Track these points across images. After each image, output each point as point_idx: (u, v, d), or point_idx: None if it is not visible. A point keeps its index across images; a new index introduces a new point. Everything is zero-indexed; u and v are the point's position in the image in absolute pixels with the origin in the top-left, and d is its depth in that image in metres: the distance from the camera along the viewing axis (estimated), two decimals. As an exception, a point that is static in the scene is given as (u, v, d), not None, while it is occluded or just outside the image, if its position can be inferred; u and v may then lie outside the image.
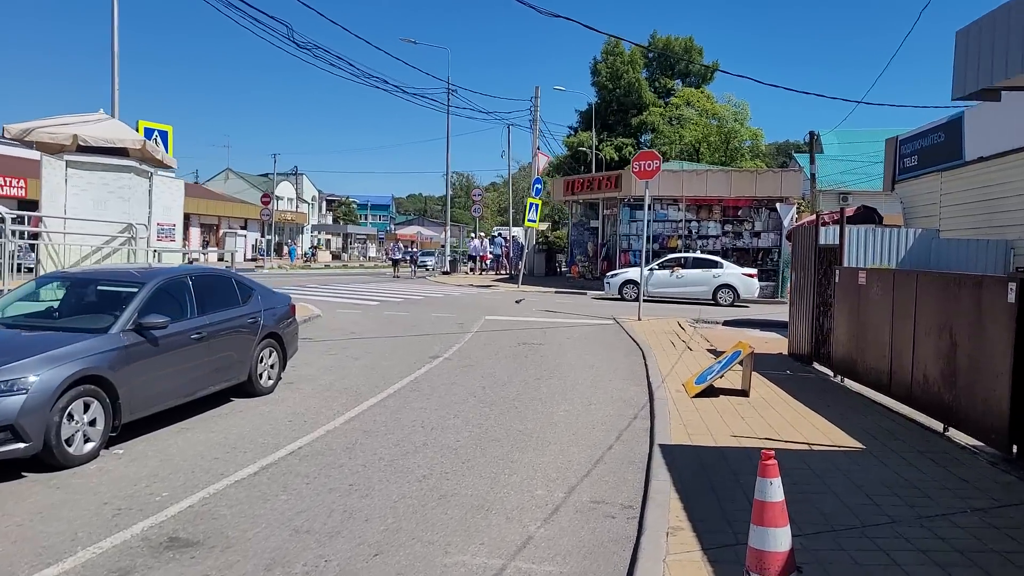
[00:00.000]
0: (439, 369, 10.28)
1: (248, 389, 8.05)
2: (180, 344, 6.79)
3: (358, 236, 78.15)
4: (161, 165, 12.63)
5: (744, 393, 8.82)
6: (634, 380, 10.00)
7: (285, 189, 68.21)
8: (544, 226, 42.04)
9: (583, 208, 29.88)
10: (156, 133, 15.23)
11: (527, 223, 25.76)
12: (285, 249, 62.58)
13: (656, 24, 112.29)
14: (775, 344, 14.06)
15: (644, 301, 22.28)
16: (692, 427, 7.13)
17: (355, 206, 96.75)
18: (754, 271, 22.28)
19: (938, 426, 7.17)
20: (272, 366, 8.42)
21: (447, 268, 35.85)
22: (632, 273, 22.02)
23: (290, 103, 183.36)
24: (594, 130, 53.96)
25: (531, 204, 25.54)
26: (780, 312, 20.99)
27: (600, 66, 59.95)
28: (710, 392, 8.71)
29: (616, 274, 22.95)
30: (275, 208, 65.45)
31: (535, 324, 15.76)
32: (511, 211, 31.55)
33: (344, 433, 6.89)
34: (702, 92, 56.96)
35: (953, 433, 6.94)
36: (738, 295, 21.82)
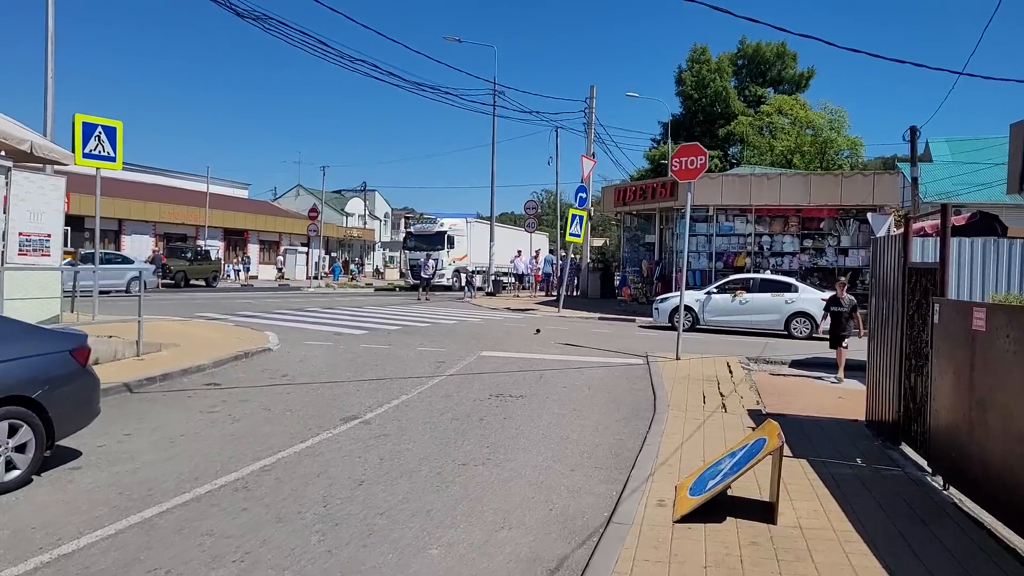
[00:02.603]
0: (331, 444, 7.15)
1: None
2: None
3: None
4: (50, 163, 10.10)
5: (768, 512, 5.26)
6: (610, 469, 6.58)
7: (355, 205, 67.19)
8: (600, 242, 38.40)
9: (637, 221, 26.22)
10: (100, 129, 12.90)
11: (569, 237, 22.35)
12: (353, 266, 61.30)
13: (746, 30, 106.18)
14: (853, 401, 10.22)
15: (701, 331, 18.54)
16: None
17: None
18: (838, 296, 18.09)
19: None
20: (21, 448, 5.51)
21: (491, 289, 32.76)
22: (686, 298, 18.23)
23: (366, 122, 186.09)
24: (677, 141, 50.82)
25: (574, 216, 22.15)
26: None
27: (685, 75, 57.21)
28: (711, 511, 5.20)
29: (666, 298, 19.24)
30: (346, 224, 64.61)
31: (537, 364, 12.43)
32: (558, 224, 27.99)
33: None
34: (795, 100, 53.04)
35: None
36: (817, 325, 17.71)
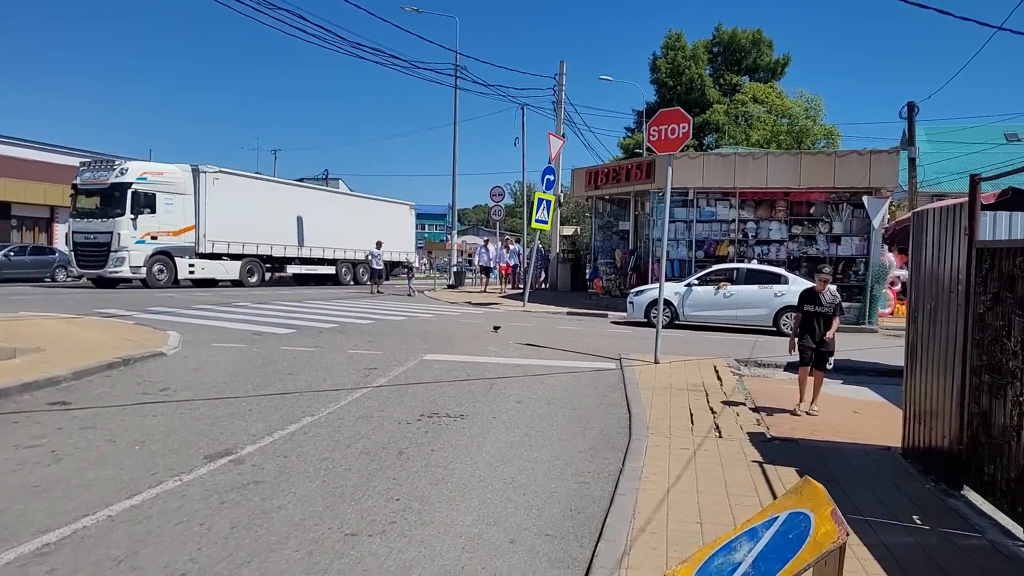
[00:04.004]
0: (172, 499, 5.00)
1: None
2: None
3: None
4: None
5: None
6: (567, 539, 4.55)
7: (317, 195, 64.37)
8: (571, 230, 36.37)
9: (610, 207, 24.19)
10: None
11: (535, 224, 20.25)
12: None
13: (721, 15, 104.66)
14: (871, 416, 8.32)
15: (680, 327, 16.59)
16: None
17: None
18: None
19: None
20: None
21: (452, 281, 30.55)
22: (664, 290, 16.27)
23: (326, 108, 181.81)
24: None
25: (540, 200, 20.06)
26: (871, 345, 14.98)
27: (659, 61, 56.14)
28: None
29: (642, 291, 17.26)
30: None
31: (490, 370, 10.36)
32: (525, 212, 26.01)
33: None
34: (771, 87, 52.42)
35: None
36: (810, 321, 15.84)
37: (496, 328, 14.65)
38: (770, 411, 8.45)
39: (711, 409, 8.24)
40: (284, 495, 5.09)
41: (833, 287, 8.71)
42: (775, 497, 5.25)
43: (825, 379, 9.12)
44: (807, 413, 8.34)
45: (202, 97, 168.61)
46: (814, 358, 8.45)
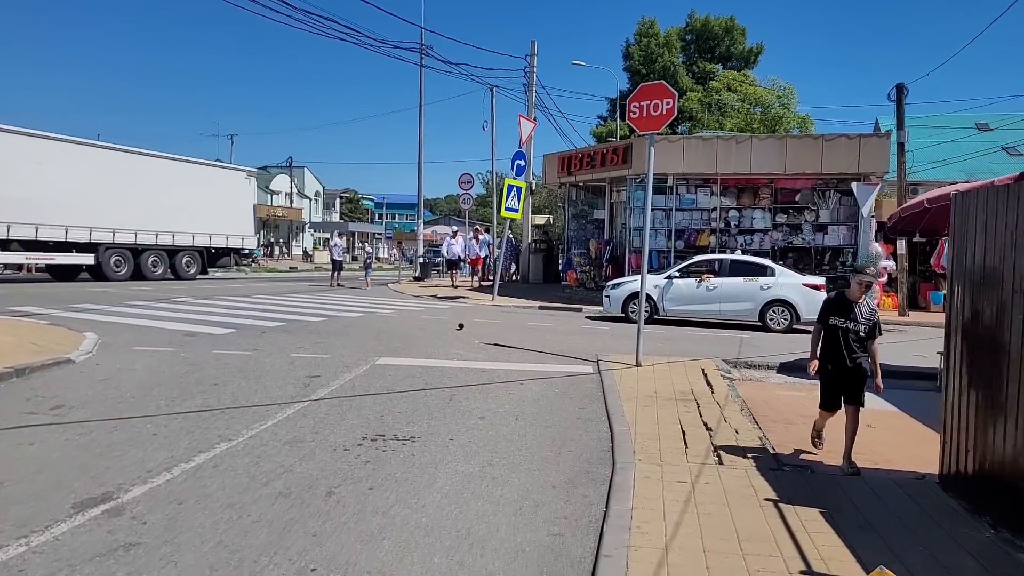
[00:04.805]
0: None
1: None
2: None
3: (376, 236, 71.89)
4: None
5: None
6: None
7: (282, 183, 62.48)
8: (543, 219, 35.14)
9: (584, 194, 23.00)
10: None
11: (505, 212, 18.99)
12: (277, 249, 56.97)
13: (694, 2, 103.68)
14: (890, 432, 7.25)
15: (660, 323, 15.49)
16: None
17: (363, 202, 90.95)
18: (820, 280, 15.25)
19: None
20: None
21: (417, 273, 29.20)
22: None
23: (291, 92, 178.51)
24: (624, 119, 48.33)
25: (510, 187, 18.79)
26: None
27: (632, 49, 55.67)
28: None
29: (619, 284, 16.12)
30: (270, 203, 59.89)
31: (451, 377, 9.13)
32: (495, 201, 24.69)
33: None
34: (744, 76, 52.27)
35: None
36: (798, 315, 14.85)
37: (460, 326, 13.40)
38: (770, 425, 7.32)
39: (705, 425, 7.08)
40: (160, 568, 3.81)
41: (872, 299, 6.33)
42: (803, 556, 4.10)
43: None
44: (844, 472, 5.75)
45: (156, 83, 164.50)
46: (844, 391, 5.97)
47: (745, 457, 6.06)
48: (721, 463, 5.87)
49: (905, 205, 9.56)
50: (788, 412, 7.99)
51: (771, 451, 6.29)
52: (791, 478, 5.60)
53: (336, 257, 24.81)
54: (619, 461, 5.83)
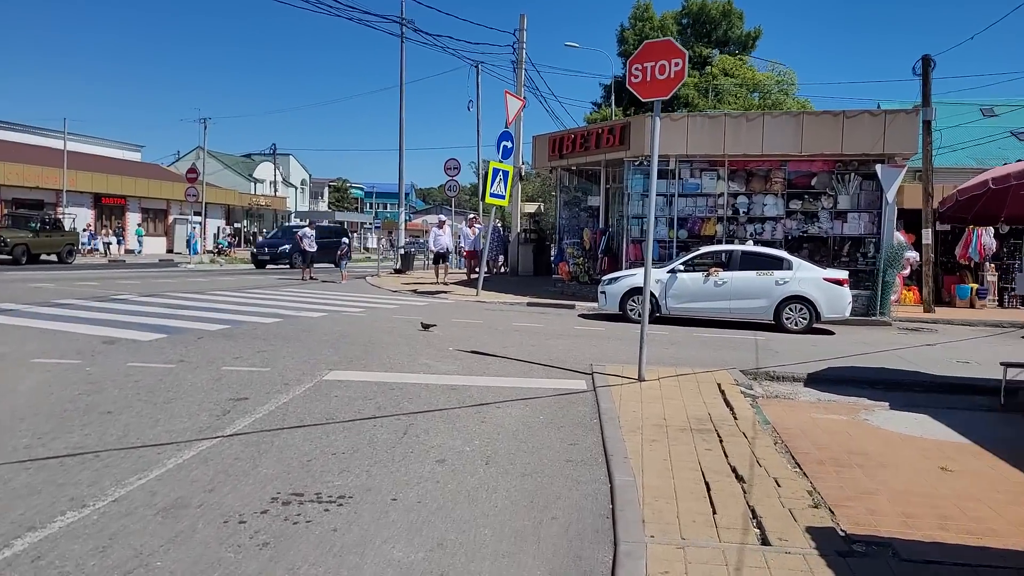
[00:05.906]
0: None
1: None
2: None
3: (364, 225, 70.01)
4: None
5: None
6: None
7: (266, 171, 60.55)
8: (534, 207, 33.36)
9: (578, 180, 21.24)
10: None
11: (490, 199, 17.26)
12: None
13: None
14: (967, 470, 5.53)
15: (663, 321, 13.80)
16: None
17: (352, 191, 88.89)
18: (843, 274, 13.56)
19: None
20: None
21: (399, 265, 27.41)
22: (642, 278, 13.35)
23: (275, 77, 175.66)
24: (620, 104, 47.48)
25: (496, 170, 17.03)
26: (893, 344, 12.12)
27: (627, 33, 54.45)
28: None
29: (616, 278, 14.40)
30: (254, 192, 58.03)
31: (410, 398, 7.41)
32: (480, 187, 22.98)
33: None
34: (741, 61, 51.40)
35: None
36: (818, 314, 13.17)
37: (427, 326, 11.67)
38: (816, 469, 5.63)
39: (734, 471, 5.39)
40: None
41: None
42: None
43: (869, 403, 6.19)
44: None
45: (135, 69, 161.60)
46: None
47: (796, 526, 4.37)
48: (766, 541, 4.18)
49: (963, 186, 7.87)
50: (833, 447, 6.31)
51: (832, 521, 4.60)
52: (870, 568, 3.91)
53: (308, 248, 22.92)
54: (623, 539, 4.14)
